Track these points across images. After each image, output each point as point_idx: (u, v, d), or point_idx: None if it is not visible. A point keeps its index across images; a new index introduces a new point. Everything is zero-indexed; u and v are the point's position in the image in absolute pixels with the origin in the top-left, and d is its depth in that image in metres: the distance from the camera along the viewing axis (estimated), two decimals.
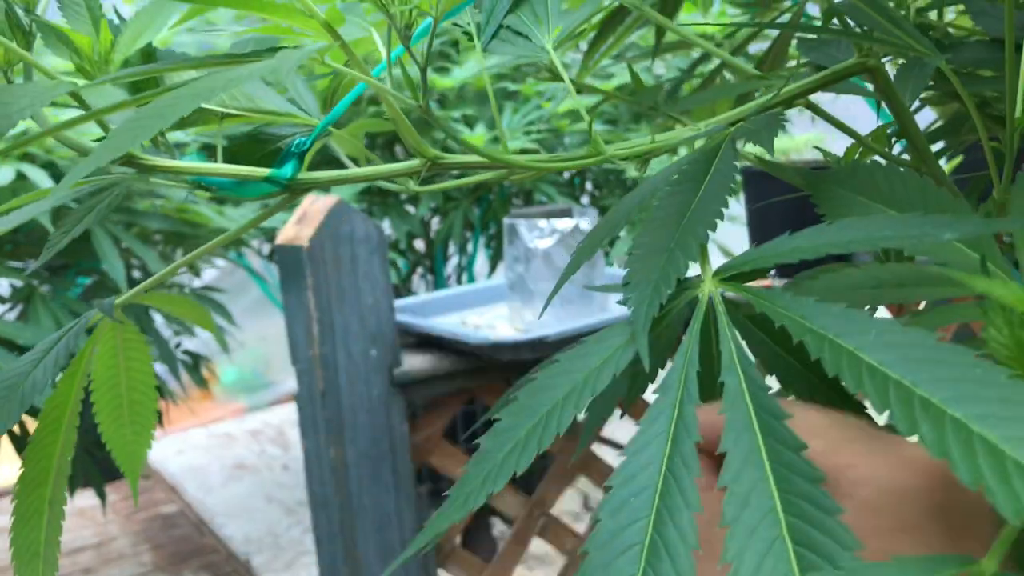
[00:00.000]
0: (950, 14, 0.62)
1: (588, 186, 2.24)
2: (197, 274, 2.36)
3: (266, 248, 2.31)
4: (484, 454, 0.28)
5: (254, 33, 0.41)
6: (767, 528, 0.21)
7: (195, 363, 1.87)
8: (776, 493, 0.22)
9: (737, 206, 2.25)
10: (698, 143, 0.40)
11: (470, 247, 2.15)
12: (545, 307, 0.39)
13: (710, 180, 0.33)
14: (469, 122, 1.82)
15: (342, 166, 0.45)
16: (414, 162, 0.39)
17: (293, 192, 0.41)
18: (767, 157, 0.43)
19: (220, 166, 0.40)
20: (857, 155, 0.46)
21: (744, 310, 0.32)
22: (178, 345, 1.84)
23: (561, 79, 0.43)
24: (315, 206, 1.22)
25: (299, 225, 1.23)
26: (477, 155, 0.38)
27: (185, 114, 0.28)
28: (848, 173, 0.38)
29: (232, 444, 3.09)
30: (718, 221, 0.30)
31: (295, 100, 0.43)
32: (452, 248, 2.26)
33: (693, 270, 0.31)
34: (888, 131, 0.45)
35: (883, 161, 0.46)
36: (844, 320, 0.24)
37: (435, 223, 2.19)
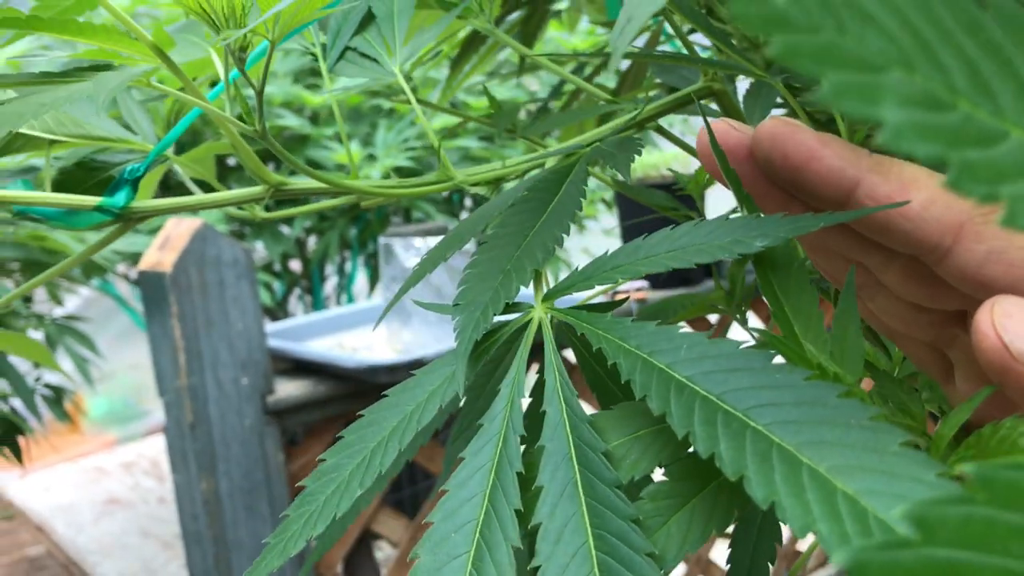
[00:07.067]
0: None
1: (468, 202, 2.23)
2: (59, 303, 2.24)
3: (133, 273, 2.21)
4: (307, 496, 0.27)
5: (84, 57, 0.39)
6: (578, 566, 0.21)
7: (57, 397, 1.77)
8: (590, 530, 0.21)
9: (611, 218, 2.29)
10: (549, 163, 0.39)
11: (348, 267, 2.12)
12: (379, 320, 0.38)
13: (557, 202, 0.32)
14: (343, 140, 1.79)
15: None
16: (257, 188, 0.38)
17: (129, 221, 0.39)
18: (620, 179, 0.44)
19: (47, 195, 0.38)
20: (707, 177, 0.47)
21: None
22: (38, 379, 1.74)
23: (410, 102, 0.42)
24: (178, 230, 1.18)
25: (161, 250, 1.18)
26: (321, 182, 0.37)
27: None
28: None
29: (103, 478, 2.94)
30: (558, 245, 0.29)
31: (130, 124, 0.41)
32: (331, 268, 2.22)
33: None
34: None
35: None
36: (657, 338, 0.24)
37: (312, 242, 2.14)
